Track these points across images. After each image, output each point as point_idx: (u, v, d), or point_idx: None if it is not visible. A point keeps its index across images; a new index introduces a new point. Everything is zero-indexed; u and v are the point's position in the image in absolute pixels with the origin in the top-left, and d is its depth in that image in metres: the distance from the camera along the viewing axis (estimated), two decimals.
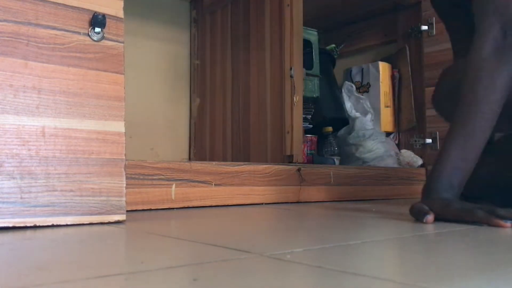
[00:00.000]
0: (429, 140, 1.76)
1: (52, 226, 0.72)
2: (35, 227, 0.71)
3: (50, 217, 0.72)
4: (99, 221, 0.76)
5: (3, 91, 0.70)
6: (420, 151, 1.79)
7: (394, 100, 1.91)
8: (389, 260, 0.53)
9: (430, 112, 1.74)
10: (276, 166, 1.28)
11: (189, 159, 1.87)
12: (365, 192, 1.49)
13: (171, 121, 1.86)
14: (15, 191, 0.69)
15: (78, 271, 0.43)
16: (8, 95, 0.70)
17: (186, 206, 1.07)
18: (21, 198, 0.70)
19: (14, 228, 0.69)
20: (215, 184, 1.14)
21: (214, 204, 1.13)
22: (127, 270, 0.44)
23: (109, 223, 0.77)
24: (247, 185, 1.20)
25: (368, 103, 1.87)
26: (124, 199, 0.79)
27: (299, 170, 1.32)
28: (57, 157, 0.74)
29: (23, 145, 0.71)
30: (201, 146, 1.84)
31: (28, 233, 0.67)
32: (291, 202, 1.28)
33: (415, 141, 1.81)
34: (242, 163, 1.21)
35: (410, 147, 1.83)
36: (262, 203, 1.22)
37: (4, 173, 0.69)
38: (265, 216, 0.97)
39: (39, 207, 0.71)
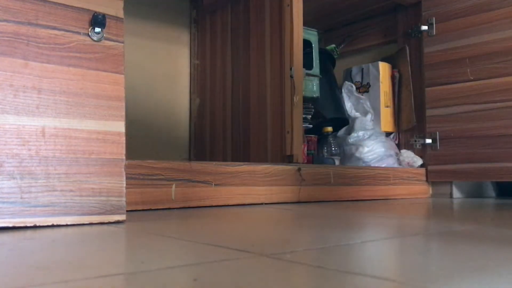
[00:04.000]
0: (429, 140, 1.76)
1: (52, 226, 0.72)
2: (35, 227, 0.71)
3: (50, 217, 0.72)
4: (99, 221, 0.76)
5: (3, 91, 0.70)
6: (420, 151, 1.79)
7: (394, 100, 1.91)
8: (389, 260, 0.53)
9: (430, 112, 1.75)
10: (276, 166, 1.28)
11: (189, 159, 1.87)
12: (365, 192, 1.49)
13: (171, 121, 1.86)
14: (15, 191, 0.70)
15: (78, 271, 0.43)
16: (8, 95, 0.70)
17: (186, 206, 1.07)
18: (21, 198, 0.70)
19: (14, 228, 0.69)
20: (215, 184, 1.14)
21: (214, 204, 1.13)
22: (127, 270, 0.44)
23: (109, 223, 0.77)
24: (247, 185, 1.20)
25: (368, 103, 1.86)
26: (124, 199, 0.79)
27: (299, 170, 1.32)
28: (57, 157, 0.74)
29: (23, 145, 0.71)
30: (201, 146, 1.84)
31: (28, 233, 0.67)
32: (291, 202, 1.28)
33: (415, 141, 1.81)
34: (242, 163, 1.21)
35: (410, 147, 1.83)
36: (262, 203, 1.22)
37: (4, 173, 0.69)
38: (265, 216, 0.97)
39: (39, 207, 0.71)
